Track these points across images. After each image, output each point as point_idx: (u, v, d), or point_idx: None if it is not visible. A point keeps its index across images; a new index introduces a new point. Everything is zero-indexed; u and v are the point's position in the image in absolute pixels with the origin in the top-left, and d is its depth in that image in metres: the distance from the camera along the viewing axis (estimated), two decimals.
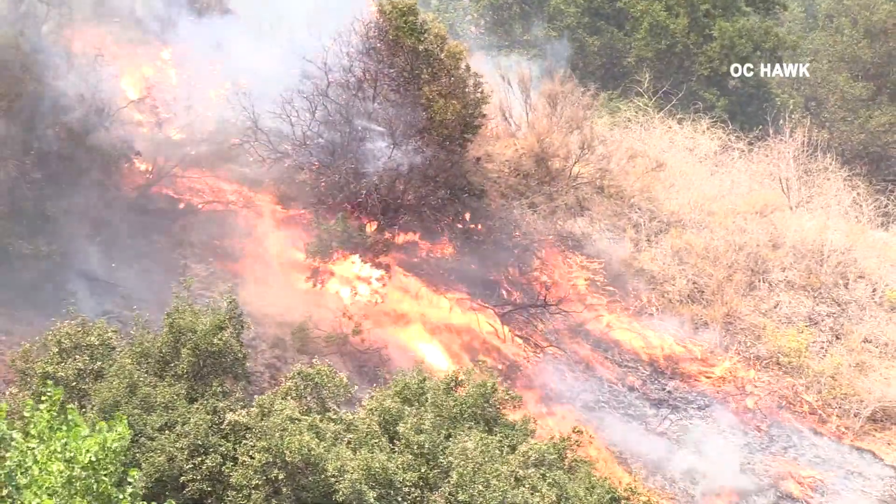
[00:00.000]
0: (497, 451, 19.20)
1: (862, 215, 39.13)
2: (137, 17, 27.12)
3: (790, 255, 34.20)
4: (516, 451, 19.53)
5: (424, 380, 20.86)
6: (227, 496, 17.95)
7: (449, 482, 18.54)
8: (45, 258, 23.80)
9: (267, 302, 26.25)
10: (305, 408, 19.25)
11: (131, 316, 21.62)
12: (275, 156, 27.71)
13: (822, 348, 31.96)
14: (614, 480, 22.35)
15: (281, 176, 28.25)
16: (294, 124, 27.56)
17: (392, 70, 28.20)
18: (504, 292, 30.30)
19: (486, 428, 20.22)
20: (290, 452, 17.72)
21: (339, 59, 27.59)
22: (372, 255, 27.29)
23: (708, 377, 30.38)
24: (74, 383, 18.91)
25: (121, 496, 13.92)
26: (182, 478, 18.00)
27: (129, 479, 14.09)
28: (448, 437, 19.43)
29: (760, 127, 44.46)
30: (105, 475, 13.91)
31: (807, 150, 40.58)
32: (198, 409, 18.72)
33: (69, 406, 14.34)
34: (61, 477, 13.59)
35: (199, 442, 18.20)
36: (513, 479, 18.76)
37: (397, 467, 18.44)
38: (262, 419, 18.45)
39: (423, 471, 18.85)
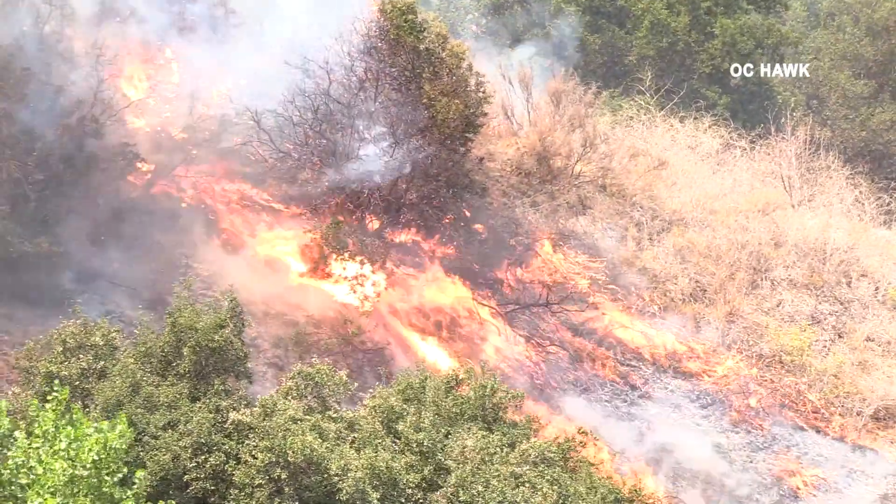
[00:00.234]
0: (497, 450, 19.19)
1: (864, 213, 39.14)
2: (139, 17, 27.09)
3: (792, 254, 34.21)
4: (516, 450, 19.50)
5: (426, 378, 20.85)
6: (230, 495, 17.96)
7: (449, 481, 18.53)
8: (46, 258, 23.80)
9: (268, 301, 26.26)
10: (306, 407, 19.24)
11: (133, 315, 21.64)
12: (277, 155, 27.72)
13: (825, 347, 31.96)
14: (617, 481, 22.30)
15: (283, 175, 28.26)
16: (296, 123, 27.56)
17: (393, 69, 28.21)
18: (506, 291, 30.29)
19: (487, 427, 20.20)
20: (293, 453, 17.73)
21: (340, 58, 27.60)
22: (371, 256, 27.22)
23: (710, 376, 30.37)
24: (78, 382, 18.92)
25: (123, 496, 13.94)
26: (186, 476, 18.01)
27: (135, 480, 14.11)
28: (447, 435, 19.43)
29: (762, 125, 44.45)
30: (107, 474, 13.92)
31: (809, 149, 40.58)
32: (200, 407, 18.73)
33: (73, 406, 14.35)
34: (64, 475, 13.61)
35: (203, 440, 18.22)
36: (513, 479, 18.72)
37: (401, 467, 18.45)
38: (265, 419, 18.47)
39: (425, 471, 18.85)
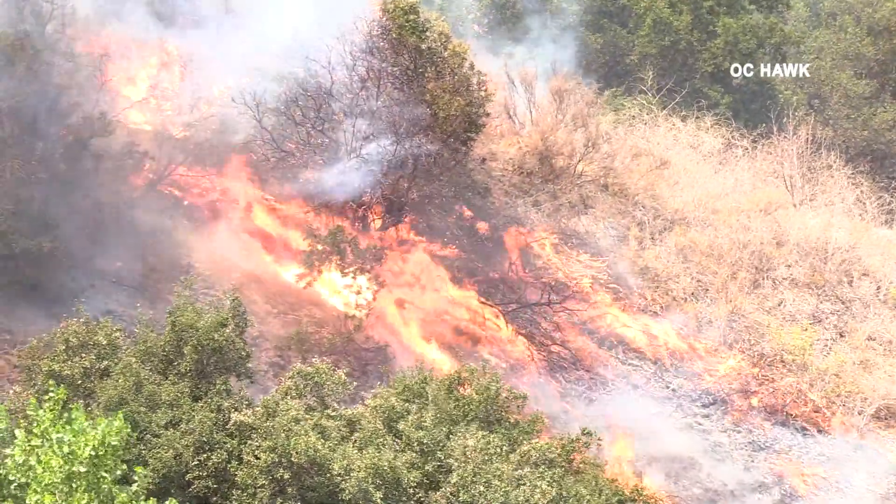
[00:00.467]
0: (499, 451, 19.16)
1: (866, 213, 39.16)
2: (141, 17, 27.12)
3: (794, 253, 34.22)
4: (517, 451, 19.47)
5: (426, 379, 20.82)
6: (233, 495, 17.95)
7: (450, 481, 18.52)
8: (48, 257, 23.80)
9: (270, 301, 26.27)
10: (306, 406, 19.23)
11: (135, 315, 21.61)
12: (279, 154, 27.72)
13: (827, 346, 31.97)
14: (622, 482, 22.25)
15: (285, 174, 28.25)
16: (298, 123, 27.56)
17: (395, 68, 28.20)
18: (508, 290, 30.29)
19: (488, 427, 20.17)
20: (297, 454, 17.71)
21: (342, 57, 27.60)
22: (372, 259, 27.16)
23: (712, 375, 30.37)
24: (80, 381, 18.92)
25: (122, 493, 13.91)
26: (188, 475, 18.01)
27: (135, 477, 14.08)
28: (449, 434, 19.40)
29: (764, 124, 44.45)
30: (106, 471, 13.90)
31: (810, 148, 40.62)
32: (202, 406, 18.73)
33: (72, 405, 14.34)
34: (61, 473, 13.59)
35: (205, 439, 18.22)
36: (514, 479, 18.70)
37: (403, 465, 18.43)
38: (267, 419, 18.45)
39: (426, 469, 18.84)
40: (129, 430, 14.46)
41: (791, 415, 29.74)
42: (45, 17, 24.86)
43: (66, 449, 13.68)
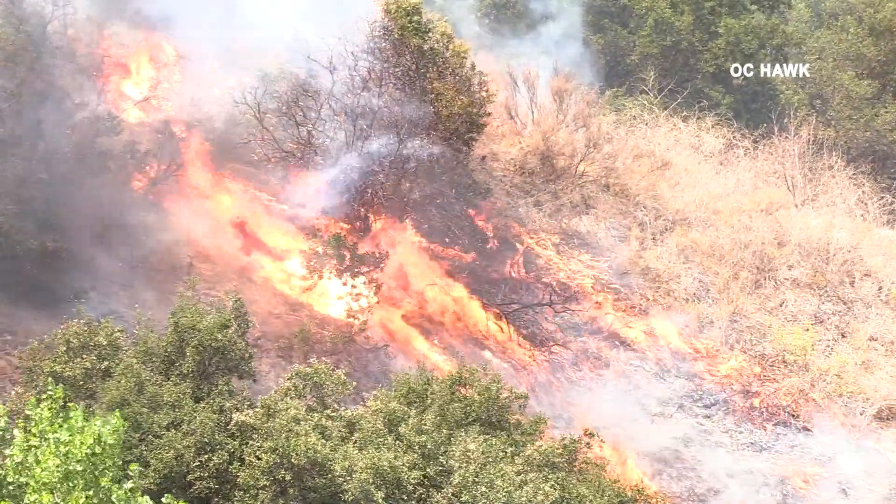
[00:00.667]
0: (501, 453, 19.14)
1: (867, 213, 39.13)
2: (143, 17, 27.13)
3: (796, 254, 34.21)
4: (520, 455, 19.43)
5: (429, 381, 20.80)
6: (234, 496, 17.94)
7: (451, 483, 18.51)
8: (51, 257, 23.79)
9: (271, 301, 26.26)
10: (306, 406, 19.21)
11: (136, 315, 21.60)
12: (280, 155, 27.71)
13: (828, 346, 31.96)
14: (624, 482, 22.25)
15: (286, 175, 28.26)
16: (300, 123, 27.57)
17: (397, 69, 28.20)
18: (509, 291, 30.29)
19: (489, 429, 20.14)
20: (297, 455, 17.70)
21: (344, 58, 27.59)
22: (372, 261, 27.16)
23: (713, 375, 30.37)
24: (82, 382, 18.92)
25: (120, 491, 13.89)
26: (189, 476, 18.01)
27: (129, 473, 14.04)
28: (450, 437, 19.38)
29: (765, 125, 44.41)
30: (104, 469, 13.91)
31: (812, 148, 40.60)
32: (204, 407, 18.73)
33: (71, 404, 14.34)
34: (58, 471, 13.59)
35: (206, 439, 18.21)
36: (517, 481, 18.67)
37: (404, 465, 18.42)
38: (267, 420, 18.43)
39: (427, 470, 18.82)
40: (125, 428, 14.46)
41: (793, 415, 29.74)
42: (46, 17, 24.87)
43: (62, 448, 13.68)
